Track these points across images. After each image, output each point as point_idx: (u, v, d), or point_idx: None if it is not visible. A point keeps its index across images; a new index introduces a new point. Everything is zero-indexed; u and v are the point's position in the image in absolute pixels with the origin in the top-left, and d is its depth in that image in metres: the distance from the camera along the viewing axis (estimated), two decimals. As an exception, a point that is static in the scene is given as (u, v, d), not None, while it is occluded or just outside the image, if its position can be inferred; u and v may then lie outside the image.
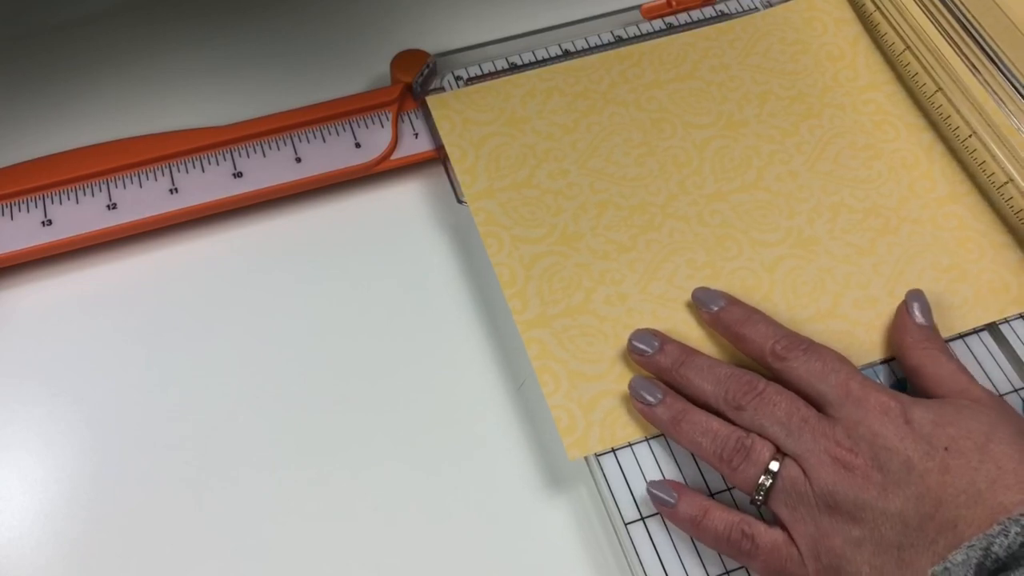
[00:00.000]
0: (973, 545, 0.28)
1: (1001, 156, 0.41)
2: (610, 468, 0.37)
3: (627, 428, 0.37)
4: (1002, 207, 0.42)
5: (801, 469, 0.32)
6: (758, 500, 0.33)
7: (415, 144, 0.45)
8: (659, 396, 0.36)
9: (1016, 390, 0.39)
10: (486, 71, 0.47)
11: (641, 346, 0.38)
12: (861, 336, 0.39)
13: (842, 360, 0.35)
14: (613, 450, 0.37)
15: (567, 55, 0.48)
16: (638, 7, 0.50)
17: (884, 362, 0.39)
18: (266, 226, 0.44)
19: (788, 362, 0.35)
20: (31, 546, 0.36)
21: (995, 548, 0.28)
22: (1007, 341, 0.40)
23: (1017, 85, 0.43)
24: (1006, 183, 0.41)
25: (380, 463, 0.38)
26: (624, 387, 0.38)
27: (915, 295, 0.38)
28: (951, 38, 0.44)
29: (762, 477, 0.33)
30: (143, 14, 0.51)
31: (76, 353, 0.41)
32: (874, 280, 0.41)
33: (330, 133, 0.45)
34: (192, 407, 0.39)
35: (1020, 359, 0.40)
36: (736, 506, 0.35)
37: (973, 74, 0.43)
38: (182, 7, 0.52)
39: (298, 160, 0.44)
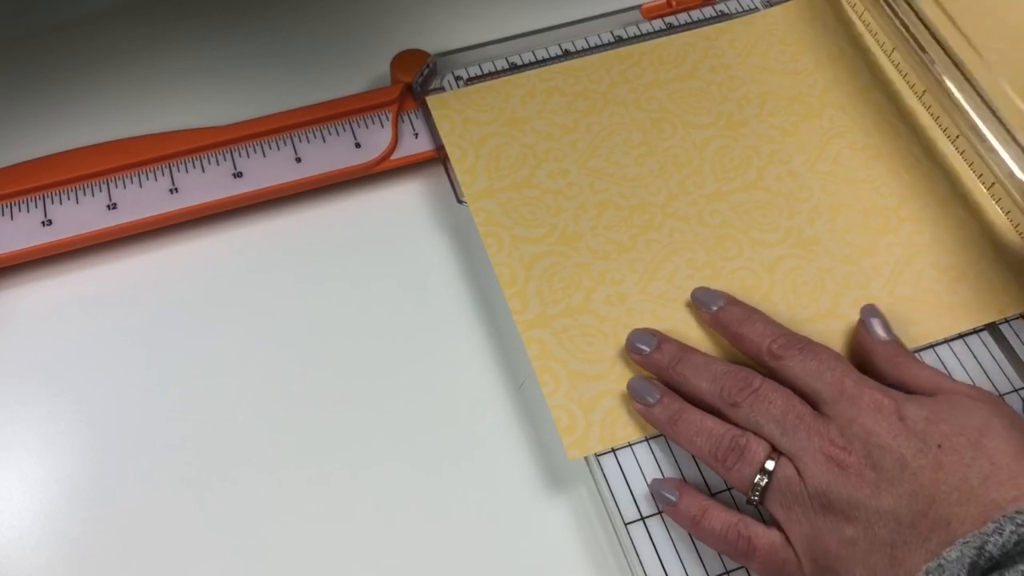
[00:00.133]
0: (968, 542, 0.28)
1: (987, 157, 0.41)
2: (610, 468, 0.37)
3: (627, 428, 0.37)
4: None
5: (795, 469, 0.32)
6: (754, 500, 0.33)
7: (415, 144, 0.45)
8: (657, 396, 0.36)
9: (1016, 390, 0.39)
10: (486, 71, 0.47)
11: (639, 345, 0.38)
12: (861, 336, 0.39)
13: (838, 359, 0.35)
14: (613, 450, 0.37)
15: (567, 55, 0.48)
16: (638, 7, 0.50)
17: (884, 362, 0.39)
18: (266, 226, 0.44)
19: (784, 360, 0.35)
20: (31, 546, 0.36)
21: (989, 547, 0.27)
22: (1007, 341, 0.40)
23: (980, 90, 0.43)
24: (993, 184, 0.41)
25: (380, 463, 0.38)
26: (624, 387, 0.38)
27: (870, 311, 0.38)
28: (919, 44, 0.45)
29: (757, 476, 0.33)
30: (143, 14, 0.51)
31: (76, 353, 0.41)
32: (874, 280, 0.41)
33: (330, 133, 0.45)
34: (192, 407, 0.39)
35: (1020, 359, 0.40)
36: (736, 506, 0.35)
37: (949, 79, 0.44)
38: (182, 7, 0.52)
39: (298, 160, 0.44)
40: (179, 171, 0.44)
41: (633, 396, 0.37)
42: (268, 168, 0.44)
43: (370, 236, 0.44)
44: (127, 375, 0.40)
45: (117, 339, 0.41)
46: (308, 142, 0.45)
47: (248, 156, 0.44)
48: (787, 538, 0.32)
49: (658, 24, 0.49)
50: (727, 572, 0.35)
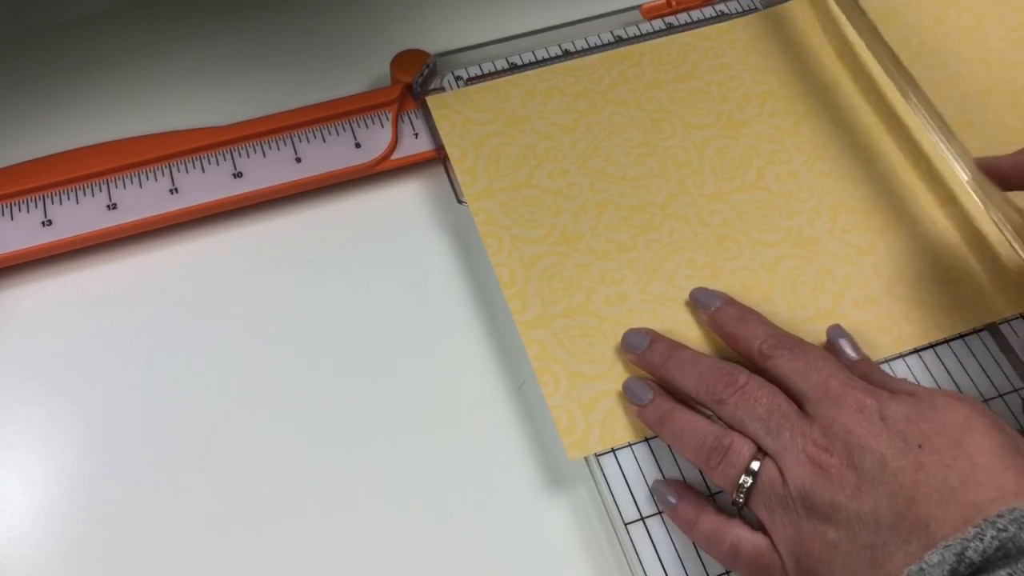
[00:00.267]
0: (949, 546, 0.27)
1: (956, 165, 0.42)
2: (610, 468, 0.37)
3: (627, 428, 0.37)
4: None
5: (779, 470, 0.32)
6: (739, 501, 0.33)
7: (415, 144, 0.45)
8: (650, 396, 0.36)
9: (1016, 390, 0.39)
10: (486, 71, 0.47)
11: (633, 344, 0.38)
12: (861, 336, 0.39)
13: (827, 359, 0.35)
14: (613, 450, 0.37)
15: (567, 55, 0.48)
16: (638, 7, 0.50)
17: (884, 362, 0.39)
18: (266, 226, 0.44)
19: (773, 360, 0.35)
20: (31, 546, 0.36)
21: (969, 553, 0.27)
22: (1007, 341, 0.40)
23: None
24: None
25: (380, 463, 0.38)
26: (624, 387, 0.38)
27: (837, 332, 0.38)
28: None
29: (742, 477, 0.33)
30: (143, 14, 0.51)
31: (76, 353, 0.41)
32: (874, 280, 0.41)
33: (330, 133, 0.45)
34: (192, 407, 0.39)
35: (1020, 359, 0.40)
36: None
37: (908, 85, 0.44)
38: (182, 7, 0.52)
39: (298, 160, 0.44)
40: (179, 171, 0.44)
41: (628, 396, 0.37)
42: (268, 168, 0.44)
43: (370, 236, 0.44)
44: (127, 375, 0.40)
45: (117, 339, 0.41)
46: (308, 142, 0.45)
47: (248, 156, 0.44)
48: (772, 542, 0.32)
49: (658, 24, 0.49)
50: (727, 572, 0.35)
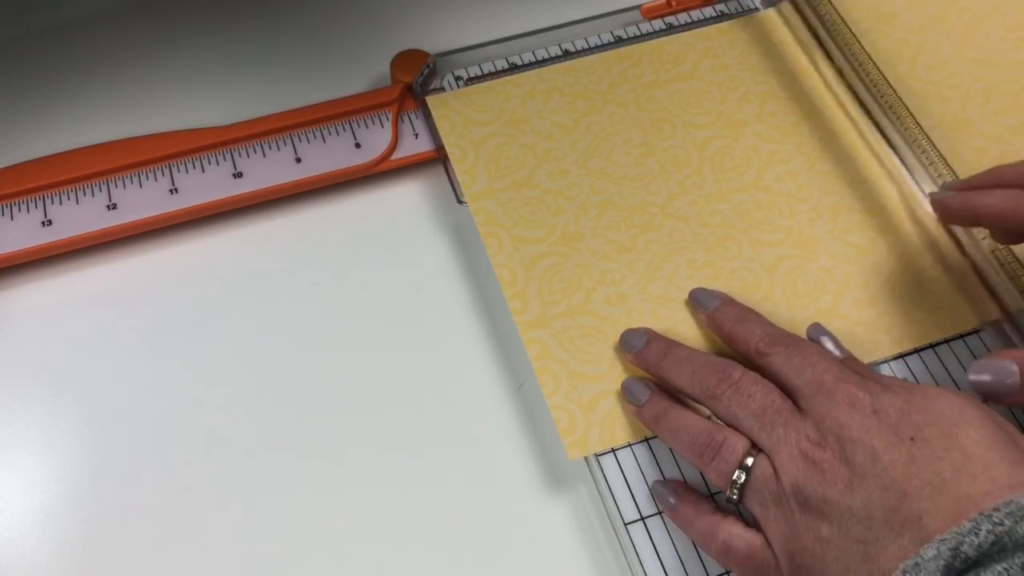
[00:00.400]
0: (945, 539, 0.27)
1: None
2: (610, 468, 0.37)
3: (627, 428, 0.37)
4: None
5: (772, 466, 0.32)
6: (733, 498, 0.33)
7: (415, 144, 0.45)
8: (647, 395, 0.36)
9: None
10: (486, 71, 0.47)
11: (630, 343, 0.38)
12: (861, 336, 0.39)
13: (822, 354, 0.34)
14: (613, 450, 0.37)
15: (567, 55, 0.48)
16: (638, 7, 0.50)
17: (885, 362, 0.39)
18: (266, 226, 0.44)
19: (769, 357, 0.35)
20: (31, 546, 0.36)
21: (964, 547, 0.27)
22: (1011, 340, 0.40)
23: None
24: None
25: (380, 463, 0.38)
26: (624, 387, 0.38)
27: (818, 331, 0.38)
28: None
29: (736, 473, 0.33)
30: (143, 14, 0.51)
31: (76, 353, 0.41)
32: (874, 280, 0.41)
33: (330, 133, 0.45)
34: (192, 407, 0.39)
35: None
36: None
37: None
38: (182, 7, 0.52)
39: (298, 160, 0.44)
40: (179, 171, 0.44)
41: (626, 396, 0.37)
42: (268, 168, 0.44)
43: (370, 236, 0.44)
44: (127, 375, 0.40)
45: (117, 339, 0.41)
46: (308, 142, 0.45)
47: (248, 156, 0.44)
48: (766, 538, 0.32)
49: (658, 24, 0.49)
50: (727, 573, 0.35)
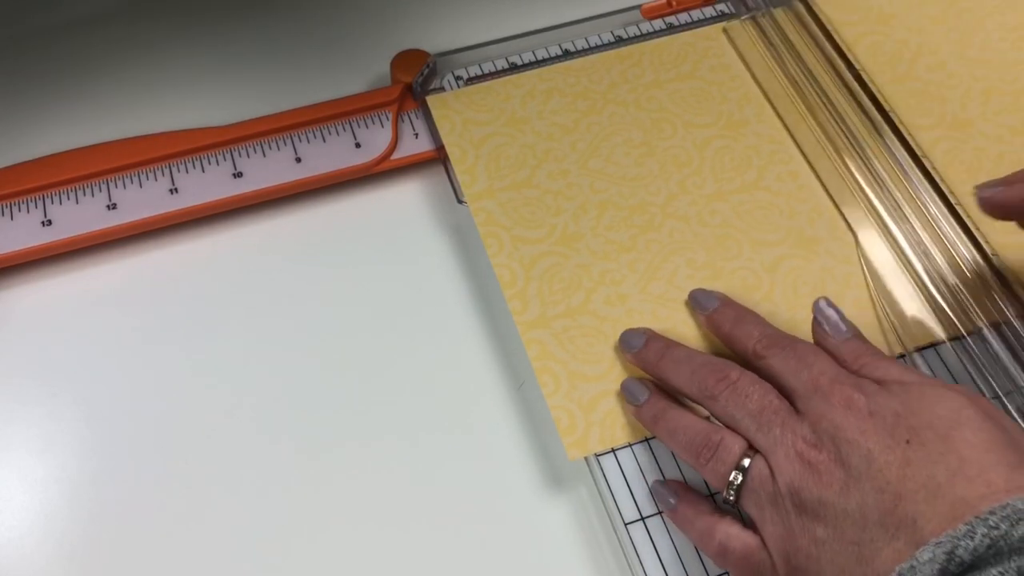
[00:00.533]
0: (940, 543, 0.27)
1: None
2: (610, 468, 0.37)
3: (627, 428, 0.37)
4: None
5: (769, 467, 0.32)
6: (729, 498, 0.33)
7: (415, 144, 0.45)
8: (646, 395, 0.36)
9: (1017, 389, 0.39)
10: (486, 71, 0.47)
11: (630, 343, 0.38)
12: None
13: (819, 356, 0.34)
14: (613, 450, 0.37)
15: (567, 55, 0.48)
16: (638, 7, 0.50)
17: (884, 362, 0.39)
18: (266, 226, 0.44)
19: (766, 359, 0.35)
20: (31, 546, 0.36)
21: (960, 551, 0.27)
22: (1012, 340, 0.40)
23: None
24: None
25: (380, 463, 0.38)
26: (624, 387, 0.38)
27: (823, 306, 0.37)
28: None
29: (732, 474, 0.32)
30: (143, 14, 0.51)
31: (76, 353, 0.41)
32: (874, 280, 0.41)
33: (330, 133, 0.45)
34: (192, 407, 0.39)
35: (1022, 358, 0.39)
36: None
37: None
38: (182, 7, 0.52)
39: (298, 160, 0.44)
40: (179, 171, 0.44)
41: (625, 396, 0.37)
42: (268, 168, 0.44)
43: (370, 236, 0.44)
44: (127, 375, 0.40)
45: (117, 339, 0.41)
46: (308, 142, 0.45)
47: (248, 156, 0.44)
48: (762, 540, 0.32)
49: (658, 24, 0.49)
50: (725, 573, 0.35)
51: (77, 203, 0.43)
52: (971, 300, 0.40)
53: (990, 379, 0.38)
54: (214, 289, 0.42)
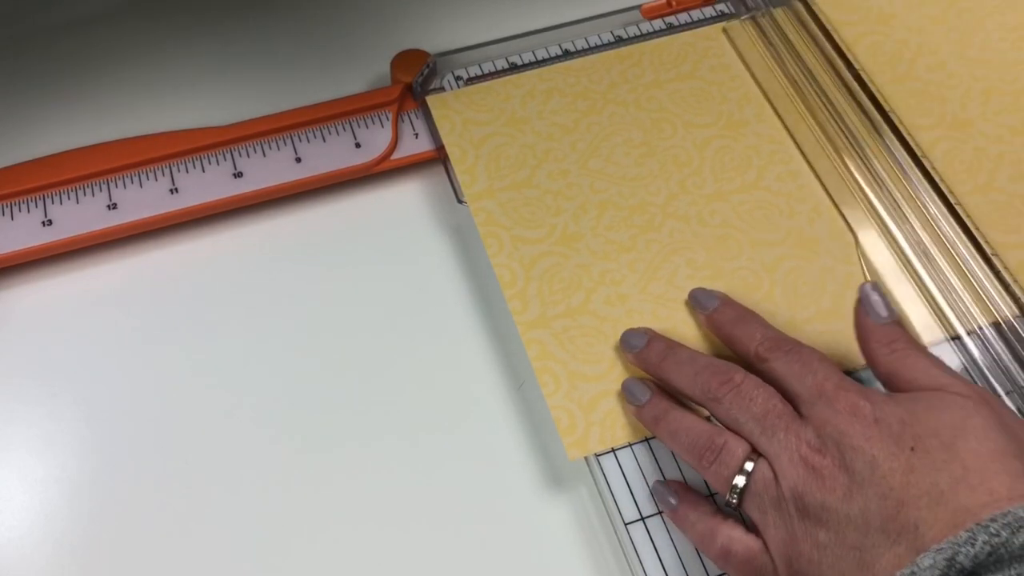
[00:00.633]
0: (941, 549, 0.27)
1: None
2: (610, 468, 0.37)
3: (627, 428, 0.37)
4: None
5: (772, 471, 0.32)
6: (732, 502, 0.33)
7: (415, 144, 0.45)
8: (647, 396, 0.36)
9: (1018, 389, 0.39)
10: (486, 71, 0.47)
11: (631, 342, 0.38)
12: (861, 336, 0.39)
13: (823, 361, 0.34)
14: (613, 450, 0.37)
15: (567, 55, 0.48)
16: (638, 7, 0.50)
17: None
18: (266, 226, 0.44)
19: (769, 362, 0.35)
20: (31, 546, 0.36)
21: (960, 558, 0.27)
22: (1010, 339, 0.40)
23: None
24: None
25: (380, 463, 0.38)
26: (624, 387, 0.38)
27: (868, 289, 0.36)
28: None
29: (736, 478, 0.32)
30: (143, 14, 0.51)
31: (76, 353, 0.41)
32: (874, 280, 0.41)
33: (330, 133, 0.45)
34: (192, 407, 0.39)
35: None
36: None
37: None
38: (182, 7, 0.52)
39: (298, 160, 0.44)
40: (179, 171, 0.44)
41: (626, 396, 0.37)
42: (268, 168, 0.44)
43: (370, 236, 0.44)
44: (127, 375, 0.40)
45: (117, 339, 0.41)
46: (308, 142, 0.45)
47: (248, 156, 0.44)
48: (764, 543, 0.32)
49: (658, 24, 0.49)
50: (728, 574, 0.35)
51: (77, 203, 0.43)
52: (971, 300, 0.40)
53: (990, 379, 0.38)
54: (214, 289, 0.42)
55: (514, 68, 0.47)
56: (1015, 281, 0.40)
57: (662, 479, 0.36)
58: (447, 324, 0.42)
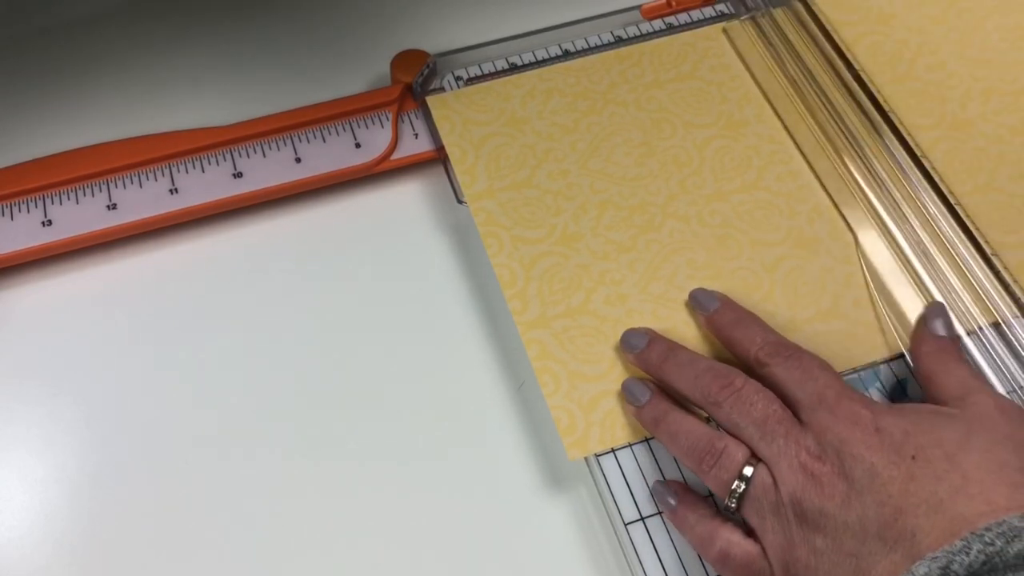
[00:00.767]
0: (936, 557, 0.27)
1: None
2: (610, 468, 0.37)
3: (627, 428, 0.37)
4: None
5: (771, 476, 0.32)
6: (731, 506, 0.33)
7: (415, 144, 0.45)
8: (647, 397, 0.36)
9: (1018, 389, 0.39)
10: (486, 71, 0.47)
11: (631, 343, 0.38)
12: (862, 336, 0.39)
13: (823, 368, 0.34)
14: (613, 450, 0.37)
15: (567, 55, 0.48)
16: (638, 7, 0.50)
17: (885, 362, 0.39)
18: (266, 226, 0.44)
19: (769, 368, 0.35)
20: (31, 546, 0.36)
21: (955, 566, 0.27)
22: (1010, 339, 0.40)
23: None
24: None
25: (380, 463, 0.38)
26: (624, 387, 0.38)
27: (936, 310, 0.38)
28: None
29: (735, 482, 0.32)
30: (144, 14, 0.51)
31: (76, 353, 0.41)
32: (875, 280, 0.41)
33: (330, 133, 0.45)
34: (192, 407, 0.39)
35: (1022, 357, 0.39)
36: None
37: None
38: (182, 7, 0.52)
39: (298, 160, 0.44)
40: (179, 171, 0.44)
41: (626, 396, 0.37)
42: (268, 168, 0.44)
43: (370, 236, 0.44)
44: (127, 375, 0.40)
45: (117, 339, 0.41)
46: (308, 142, 0.45)
47: (248, 156, 0.44)
48: (763, 548, 0.32)
49: (658, 24, 0.49)
50: None
51: (77, 203, 0.43)
52: (971, 300, 0.40)
53: (990, 379, 0.38)
54: (214, 289, 0.42)
55: (514, 68, 0.47)
56: (1015, 281, 0.40)
57: (662, 479, 0.36)
58: (447, 324, 0.42)
